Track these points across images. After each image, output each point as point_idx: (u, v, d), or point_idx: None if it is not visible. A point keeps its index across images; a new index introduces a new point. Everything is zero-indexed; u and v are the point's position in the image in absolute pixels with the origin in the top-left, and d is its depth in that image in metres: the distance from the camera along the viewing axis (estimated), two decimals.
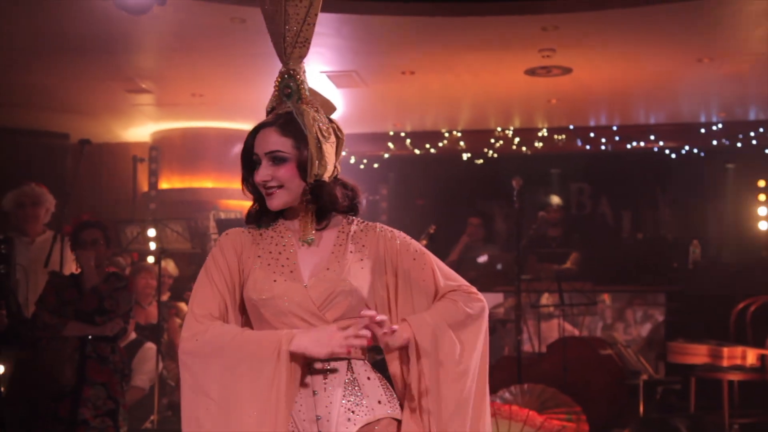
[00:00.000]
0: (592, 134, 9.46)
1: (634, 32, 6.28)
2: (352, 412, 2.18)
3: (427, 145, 9.62)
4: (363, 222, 2.37)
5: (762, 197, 9.08)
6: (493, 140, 9.52)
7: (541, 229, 8.65)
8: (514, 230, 6.91)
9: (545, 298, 7.76)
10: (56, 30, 6.14)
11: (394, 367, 2.29)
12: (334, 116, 2.34)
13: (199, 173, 9.26)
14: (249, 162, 2.27)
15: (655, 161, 9.59)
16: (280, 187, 2.22)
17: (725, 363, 5.96)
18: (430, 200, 10.04)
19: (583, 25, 6.14)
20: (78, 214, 4.76)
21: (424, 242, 6.98)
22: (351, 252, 2.28)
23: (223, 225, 6.73)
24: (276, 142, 2.22)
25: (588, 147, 9.50)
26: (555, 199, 8.93)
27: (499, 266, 8.18)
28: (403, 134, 9.63)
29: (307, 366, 2.17)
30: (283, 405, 2.08)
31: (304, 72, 2.31)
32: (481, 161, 9.71)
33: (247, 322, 2.27)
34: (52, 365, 4.33)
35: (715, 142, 9.30)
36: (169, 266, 7.41)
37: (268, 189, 2.23)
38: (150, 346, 6.54)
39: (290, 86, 2.28)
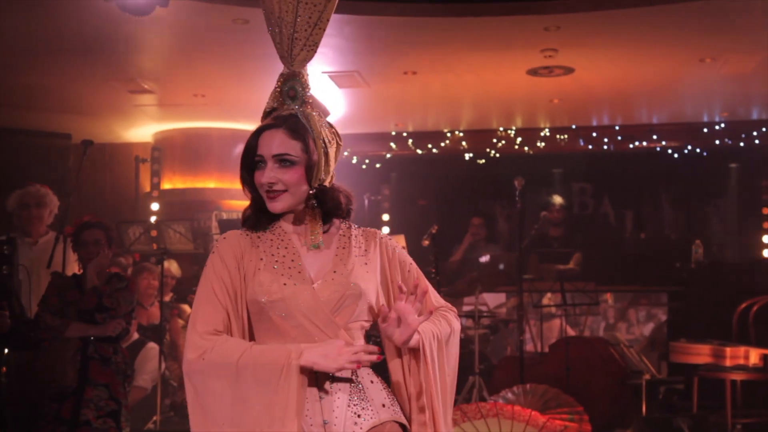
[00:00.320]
0: (594, 134, 9.46)
1: (637, 32, 6.28)
2: (358, 416, 2.18)
3: (429, 145, 9.62)
4: (360, 227, 2.37)
5: (765, 197, 9.06)
6: (495, 140, 9.52)
7: (542, 229, 8.64)
8: (517, 230, 6.91)
9: (547, 298, 7.76)
10: (59, 31, 6.14)
11: (397, 375, 2.31)
12: (333, 116, 2.34)
13: (201, 173, 9.27)
14: (250, 163, 2.25)
15: (657, 161, 9.58)
16: (285, 190, 2.21)
17: (728, 363, 5.95)
18: (432, 200, 10.04)
19: (585, 25, 6.13)
20: (80, 215, 4.75)
21: (426, 242, 6.98)
22: (356, 256, 2.28)
23: (226, 225, 6.74)
24: (285, 144, 2.20)
25: (590, 147, 9.49)
26: (557, 199, 8.93)
27: (501, 266, 8.18)
28: (405, 134, 9.63)
29: (314, 373, 2.16)
30: (293, 418, 2.07)
31: (308, 75, 2.30)
32: (483, 161, 9.71)
33: (249, 328, 2.24)
34: (55, 366, 4.33)
35: (717, 142, 9.29)
36: (172, 267, 7.41)
37: (272, 192, 2.21)
38: (152, 346, 6.55)
39: (295, 89, 2.26)
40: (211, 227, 8.33)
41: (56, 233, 5.34)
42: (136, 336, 6.51)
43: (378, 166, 9.87)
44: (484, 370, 6.98)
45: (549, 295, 7.73)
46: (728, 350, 5.97)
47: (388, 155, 9.79)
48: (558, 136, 9.45)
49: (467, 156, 9.70)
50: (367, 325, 2.29)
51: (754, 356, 5.96)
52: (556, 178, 10.07)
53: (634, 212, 10.22)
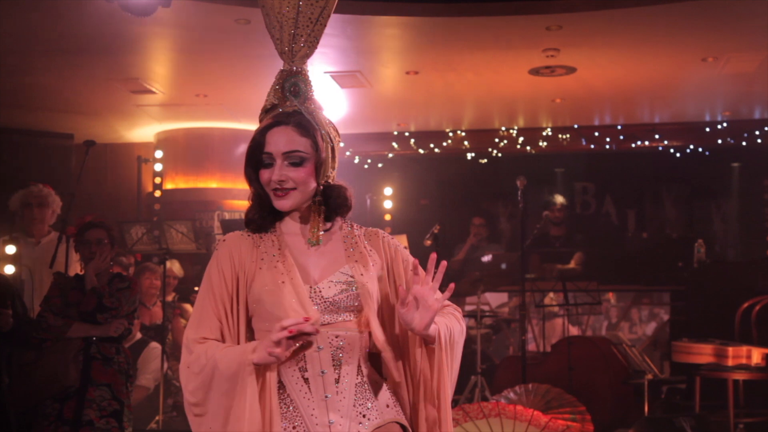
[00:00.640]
0: (596, 133, 9.45)
1: (639, 31, 6.28)
2: (363, 415, 2.17)
3: (432, 145, 9.62)
4: (362, 227, 2.35)
5: (767, 196, 9.06)
6: (497, 140, 9.52)
7: (545, 229, 8.65)
8: (519, 229, 6.91)
9: (549, 298, 7.76)
10: (61, 31, 6.15)
11: (399, 374, 2.28)
12: (336, 116, 2.34)
13: (203, 173, 9.27)
14: (257, 161, 2.21)
15: (659, 160, 9.57)
16: (295, 188, 2.18)
17: (730, 362, 5.94)
18: (435, 200, 10.04)
19: (587, 25, 6.13)
20: (82, 215, 4.75)
21: (429, 242, 6.99)
22: (362, 254, 2.26)
23: (228, 225, 6.75)
24: (296, 142, 2.17)
25: (592, 146, 9.49)
26: (558, 199, 8.93)
27: (503, 266, 8.19)
28: (407, 134, 9.63)
29: (320, 373, 2.14)
30: (248, 420, 2.04)
31: (308, 71, 2.28)
32: (485, 161, 9.71)
33: (247, 330, 2.21)
34: (57, 366, 4.33)
35: (720, 141, 9.29)
36: (174, 267, 7.42)
37: (281, 189, 2.18)
38: (155, 346, 6.56)
39: (298, 86, 2.24)
40: (213, 227, 8.35)
41: (59, 233, 5.34)
42: (138, 336, 6.51)
43: (380, 165, 9.87)
44: (486, 369, 6.98)
45: (551, 294, 7.73)
46: (730, 350, 5.96)
47: (390, 155, 9.79)
48: (560, 136, 9.45)
49: (469, 156, 9.70)
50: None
51: (757, 356, 5.95)
52: (558, 178, 10.06)
53: (637, 212, 10.21)
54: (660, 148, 9.53)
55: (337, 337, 2.17)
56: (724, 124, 9.20)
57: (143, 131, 9.37)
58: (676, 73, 7.40)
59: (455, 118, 9.21)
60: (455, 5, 5.82)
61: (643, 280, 8.48)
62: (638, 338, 9.03)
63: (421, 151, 9.67)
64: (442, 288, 2.16)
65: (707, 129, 9.26)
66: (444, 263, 2.16)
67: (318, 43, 2.26)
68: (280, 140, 2.17)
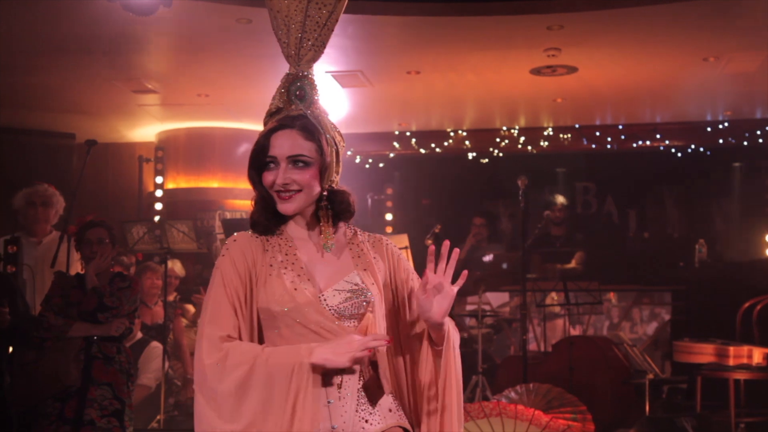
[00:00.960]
0: (597, 133, 9.45)
1: (640, 31, 6.28)
2: (366, 421, 2.17)
3: (433, 145, 9.63)
4: (365, 233, 2.35)
5: None
6: (498, 139, 9.52)
7: (546, 228, 8.65)
8: (520, 229, 6.91)
9: (551, 298, 7.76)
10: (62, 31, 6.16)
11: (399, 377, 2.29)
12: (337, 116, 2.34)
13: (204, 173, 9.28)
14: (261, 163, 2.20)
15: (661, 160, 9.57)
16: (299, 191, 2.18)
17: (731, 362, 5.95)
18: (436, 199, 10.04)
19: (588, 24, 6.13)
20: (84, 214, 4.75)
21: (430, 242, 6.99)
22: (369, 263, 2.25)
23: (229, 225, 6.74)
24: (301, 145, 2.17)
25: (594, 146, 9.49)
26: (559, 199, 8.93)
27: (504, 265, 8.18)
28: (408, 134, 9.63)
29: (321, 377, 2.12)
30: (308, 420, 2.05)
31: (314, 76, 2.28)
32: (486, 160, 9.71)
33: (259, 331, 2.20)
34: (58, 365, 4.33)
35: (721, 141, 9.28)
36: (176, 266, 7.43)
37: (285, 192, 2.17)
38: (156, 345, 6.56)
39: (304, 89, 2.24)
40: (214, 227, 8.35)
41: (60, 233, 5.34)
42: (139, 335, 6.52)
43: (381, 165, 9.87)
44: (487, 369, 6.98)
45: (552, 294, 7.73)
46: (731, 349, 5.97)
47: (392, 155, 9.79)
48: (561, 135, 9.45)
49: (470, 155, 9.70)
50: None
51: (758, 355, 5.95)
52: (560, 178, 10.07)
53: (638, 211, 10.21)
54: (661, 148, 9.52)
55: None
56: (726, 124, 9.20)
57: (145, 131, 9.38)
58: (678, 73, 7.40)
59: (456, 117, 9.21)
60: (456, 5, 5.82)
61: (644, 279, 8.48)
62: (639, 338, 9.03)
63: (422, 150, 9.67)
64: (454, 277, 2.16)
65: (708, 129, 9.26)
66: (457, 250, 2.15)
67: (325, 47, 2.27)
68: (285, 144, 2.17)
